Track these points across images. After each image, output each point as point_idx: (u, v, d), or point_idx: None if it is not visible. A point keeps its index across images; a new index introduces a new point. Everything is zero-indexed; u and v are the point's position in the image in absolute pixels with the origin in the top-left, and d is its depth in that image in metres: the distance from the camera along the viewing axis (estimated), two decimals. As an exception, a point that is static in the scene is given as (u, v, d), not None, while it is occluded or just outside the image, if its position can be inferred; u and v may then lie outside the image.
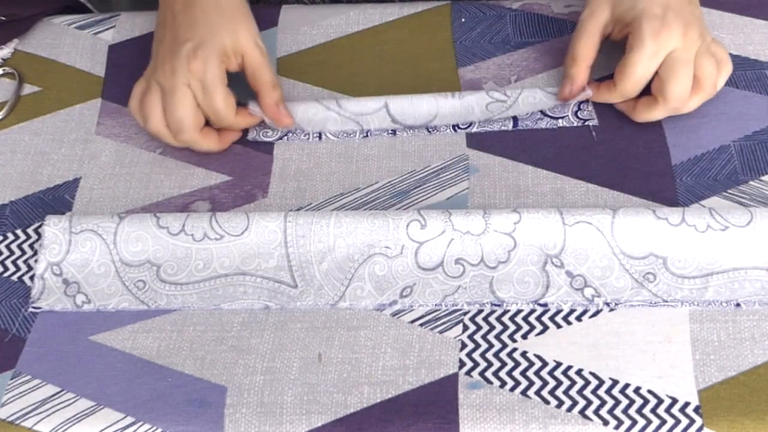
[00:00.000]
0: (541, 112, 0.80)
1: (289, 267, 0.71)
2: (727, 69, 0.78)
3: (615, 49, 0.79)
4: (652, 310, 0.67)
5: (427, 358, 0.66)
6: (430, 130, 0.80)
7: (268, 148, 0.80)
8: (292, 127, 0.80)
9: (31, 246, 0.74)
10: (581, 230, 0.70)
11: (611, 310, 0.68)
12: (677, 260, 0.69)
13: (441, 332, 0.67)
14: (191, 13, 0.77)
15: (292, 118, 0.79)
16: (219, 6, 0.77)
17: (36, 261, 0.72)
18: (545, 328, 0.67)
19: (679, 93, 0.75)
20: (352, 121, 0.80)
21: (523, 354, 0.66)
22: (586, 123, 0.79)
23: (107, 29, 0.91)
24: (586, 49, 0.78)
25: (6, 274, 0.73)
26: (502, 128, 0.79)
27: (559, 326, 0.67)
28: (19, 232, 0.75)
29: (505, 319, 0.68)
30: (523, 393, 0.64)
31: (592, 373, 0.64)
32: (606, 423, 0.62)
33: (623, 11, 0.76)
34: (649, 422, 0.62)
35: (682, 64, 0.74)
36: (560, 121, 0.80)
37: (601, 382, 0.64)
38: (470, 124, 0.80)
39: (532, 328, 0.67)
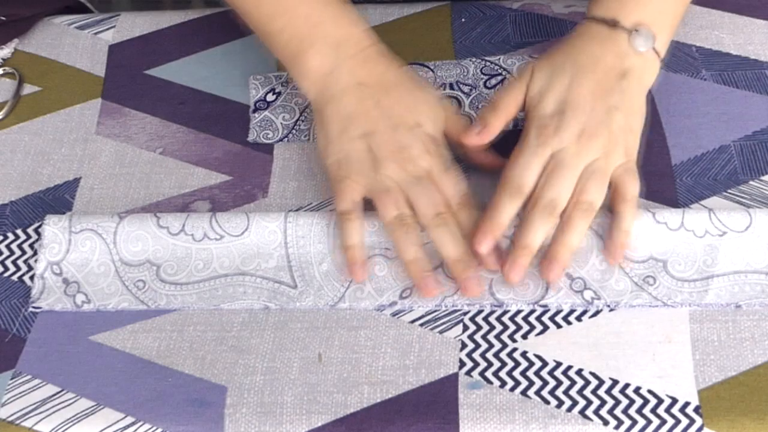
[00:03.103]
0: None
1: (289, 267, 0.71)
2: (630, 206, 0.68)
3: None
4: (653, 310, 0.67)
5: (427, 358, 0.66)
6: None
7: (268, 148, 0.80)
8: None
9: (31, 246, 0.74)
10: (581, 231, 0.70)
11: (611, 310, 0.68)
12: (677, 264, 0.69)
13: (441, 332, 0.67)
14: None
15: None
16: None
17: (36, 261, 0.72)
18: (545, 328, 0.67)
19: (549, 195, 0.67)
20: None
21: (523, 354, 0.66)
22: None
23: (107, 29, 0.91)
24: (509, 100, 0.73)
25: (6, 274, 0.73)
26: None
27: (559, 326, 0.67)
28: (19, 231, 0.75)
29: (505, 319, 0.68)
30: (523, 393, 0.64)
31: (592, 373, 0.64)
32: (606, 423, 0.62)
33: (541, 86, 0.71)
34: (649, 422, 0.62)
35: (560, 167, 0.68)
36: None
37: (601, 382, 0.64)
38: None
39: (532, 328, 0.67)
